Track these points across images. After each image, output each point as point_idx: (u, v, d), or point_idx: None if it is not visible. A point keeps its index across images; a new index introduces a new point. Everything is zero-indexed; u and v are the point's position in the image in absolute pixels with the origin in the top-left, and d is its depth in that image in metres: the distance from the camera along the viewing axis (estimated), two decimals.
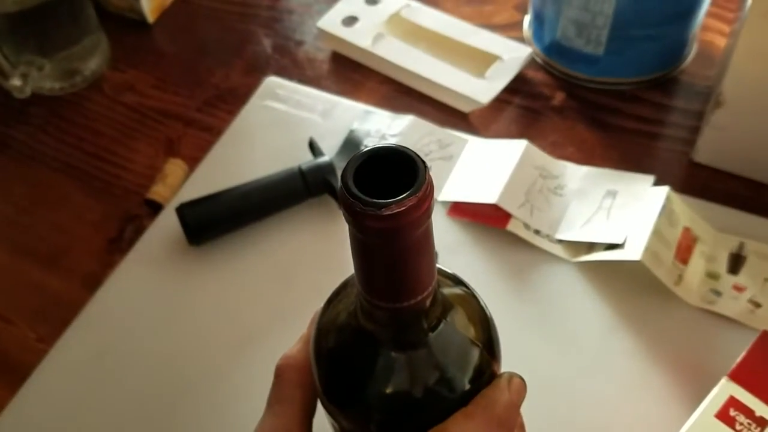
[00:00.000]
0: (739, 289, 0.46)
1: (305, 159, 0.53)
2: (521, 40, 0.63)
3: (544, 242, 0.49)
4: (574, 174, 0.52)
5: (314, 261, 0.50)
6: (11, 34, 0.59)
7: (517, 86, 0.60)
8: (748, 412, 0.38)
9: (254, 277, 0.50)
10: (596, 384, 0.44)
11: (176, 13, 0.70)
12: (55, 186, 0.58)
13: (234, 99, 0.62)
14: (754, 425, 0.37)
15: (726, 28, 0.63)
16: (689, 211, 0.49)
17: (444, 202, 0.52)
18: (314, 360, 0.29)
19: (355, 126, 0.57)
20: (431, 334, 0.26)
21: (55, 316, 0.50)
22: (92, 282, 0.52)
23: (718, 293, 0.46)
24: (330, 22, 0.65)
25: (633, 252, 0.45)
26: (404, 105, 0.60)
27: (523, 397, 0.29)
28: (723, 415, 0.38)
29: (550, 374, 0.44)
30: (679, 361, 0.44)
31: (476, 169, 0.53)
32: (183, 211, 0.50)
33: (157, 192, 0.55)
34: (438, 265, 0.28)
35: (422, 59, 0.61)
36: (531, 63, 0.62)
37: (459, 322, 0.27)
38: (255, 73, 0.64)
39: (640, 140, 0.57)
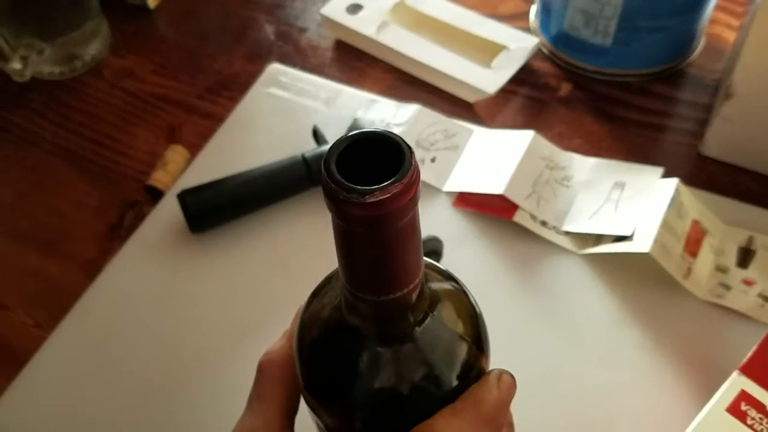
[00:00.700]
0: (748, 283, 0.45)
1: (309, 147, 0.53)
2: (528, 30, 0.62)
3: (551, 234, 0.49)
4: (582, 165, 0.52)
5: (316, 251, 0.48)
6: (11, 16, 0.58)
7: (524, 77, 0.60)
8: (760, 407, 0.37)
9: (255, 266, 0.50)
10: (604, 377, 0.43)
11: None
12: (54, 171, 0.58)
13: (236, 86, 0.61)
14: (766, 420, 0.36)
15: (735, 22, 0.63)
16: (698, 204, 0.48)
17: (449, 193, 0.52)
18: (297, 354, 0.28)
19: (360, 114, 0.56)
20: (417, 329, 0.25)
21: (53, 303, 0.50)
22: (91, 268, 0.51)
23: (727, 287, 0.46)
24: (334, 9, 0.64)
25: (642, 244, 0.45)
26: (409, 94, 0.59)
27: (513, 395, 0.28)
28: (734, 410, 0.37)
29: (557, 367, 0.43)
30: (688, 354, 0.43)
31: (482, 159, 0.52)
32: (184, 197, 0.49)
33: (157, 178, 0.54)
34: (427, 259, 0.27)
35: (427, 48, 0.60)
36: (537, 54, 0.61)
37: (447, 316, 0.26)
38: (257, 60, 0.63)
39: (648, 132, 0.56)
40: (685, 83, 0.59)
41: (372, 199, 0.19)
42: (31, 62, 0.60)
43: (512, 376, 0.28)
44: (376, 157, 0.20)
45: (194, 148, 0.57)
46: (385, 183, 0.19)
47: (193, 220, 0.49)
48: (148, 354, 0.46)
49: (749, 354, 0.39)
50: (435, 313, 0.25)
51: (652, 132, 0.56)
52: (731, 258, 0.47)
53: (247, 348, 0.45)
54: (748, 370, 0.38)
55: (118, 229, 0.53)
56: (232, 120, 0.58)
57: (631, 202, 0.48)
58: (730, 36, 0.62)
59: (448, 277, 0.28)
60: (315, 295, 0.28)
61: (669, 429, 0.39)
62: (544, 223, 0.49)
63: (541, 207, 0.49)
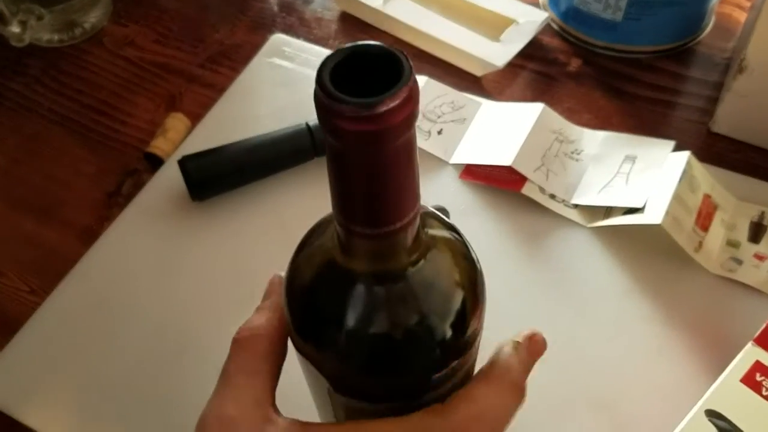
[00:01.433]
0: (760, 257, 0.45)
1: (312, 117, 0.51)
2: (537, 5, 0.61)
3: (560, 207, 0.48)
4: (592, 139, 0.51)
5: None
6: None
7: (532, 51, 0.59)
8: None
9: (257, 235, 0.48)
10: (614, 350, 0.42)
11: None
12: (52, 138, 0.56)
13: (238, 56, 0.60)
14: None
15: (745, 2, 0.62)
16: (710, 178, 0.47)
17: (456, 165, 0.51)
18: (288, 303, 0.27)
19: None
20: (412, 269, 0.24)
21: (49, 269, 0.48)
22: (88, 235, 0.50)
23: (738, 261, 0.45)
24: None
25: (653, 216, 0.44)
26: (415, 67, 0.57)
27: (542, 353, 0.28)
28: (749, 380, 0.36)
29: (567, 340, 0.42)
30: (700, 328, 0.42)
31: (490, 131, 0.51)
32: (185, 163, 0.48)
33: (157, 146, 0.53)
34: (431, 209, 0.26)
35: (435, 20, 0.59)
36: (546, 29, 0.60)
37: (443, 262, 0.25)
38: (260, 30, 0.62)
39: (658, 108, 0.55)
40: (695, 61, 0.58)
41: (368, 113, 0.18)
42: (30, 27, 0.59)
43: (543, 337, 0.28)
44: (373, 75, 0.19)
45: (195, 118, 0.55)
46: (382, 95, 0.18)
47: (195, 187, 0.48)
48: (145, 321, 0.45)
49: (764, 325, 0.38)
50: (430, 256, 0.24)
51: (662, 108, 0.55)
52: (743, 233, 0.46)
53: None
54: (763, 342, 0.38)
55: (117, 197, 0.52)
56: (233, 89, 0.57)
57: (642, 175, 0.47)
58: (741, 16, 0.61)
59: (450, 227, 0.27)
60: (302, 245, 0.27)
61: (681, 401, 0.38)
62: (552, 196, 0.48)
63: (550, 180, 0.48)
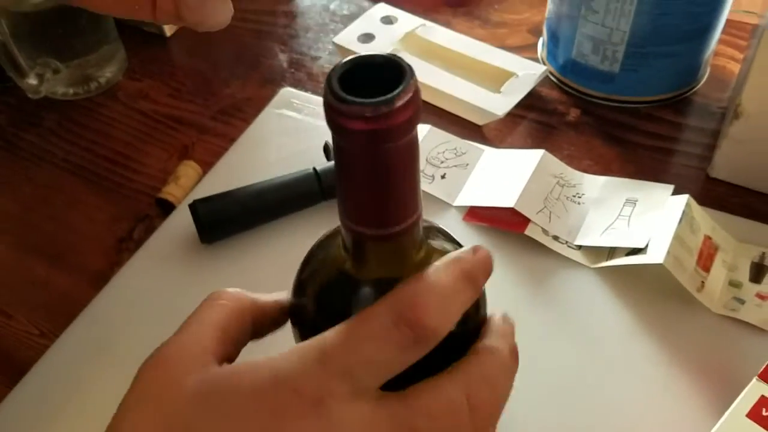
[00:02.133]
0: (762, 297, 0.45)
1: (320, 163, 0.53)
2: (536, 60, 0.64)
3: (563, 248, 0.48)
4: (593, 183, 0.52)
5: None
6: (29, 34, 0.60)
7: (532, 102, 0.61)
8: None
9: (265, 279, 0.49)
10: (618, 390, 0.42)
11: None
12: (65, 187, 0.58)
13: (249, 109, 0.62)
14: None
15: (738, 54, 0.64)
16: (710, 220, 0.48)
17: (460, 208, 0.52)
18: (294, 317, 0.28)
19: None
20: (411, 268, 0.25)
21: (60, 313, 0.49)
22: (99, 280, 0.51)
23: (741, 301, 0.45)
24: (346, 38, 0.65)
25: (655, 255, 0.44)
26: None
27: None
28: (755, 415, 0.36)
29: (572, 381, 0.43)
30: (704, 366, 0.42)
31: (493, 175, 0.52)
32: (196, 206, 0.49)
33: (169, 192, 0.54)
34: (436, 224, 0.28)
35: (437, 73, 0.62)
36: (545, 81, 0.62)
37: None
38: (270, 85, 0.64)
39: (656, 155, 0.57)
40: (692, 110, 0.60)
41: (374, 114, 0.20)
42: (47, 80, 0.61)
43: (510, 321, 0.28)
44: (378, 83, 0.21)
45: (207, 166, 0.57)
46: (387, 96, 0.20)
47: (204, 229, 0.49)
48: None
49: None
50: (431, 259, 0.26)
51: (661, 155, 0.57)
52: (744, 273, 0.46)
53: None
54: (767, 377, 0.38)
55: (128, 242, 0.53)
56: (244, 139, 0.58)
57: (643, 217, 0.48)
58: (734, 67, 0.63)
59: (452, 240, 0.28)
60: (306, 261, 0.29)
61: None
62: (556, 238, 0.49)
63: (553, 222, 0.49)
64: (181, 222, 0.52)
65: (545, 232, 0.49)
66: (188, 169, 0.55)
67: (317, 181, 0.51)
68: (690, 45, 0.57)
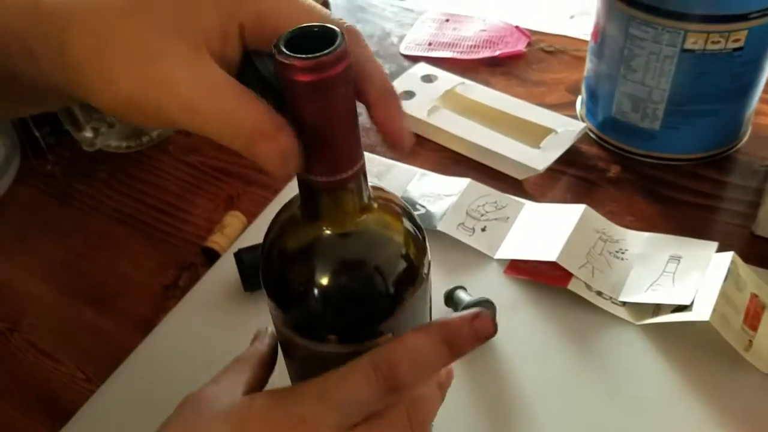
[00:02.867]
0: None
1: None
2: (575, 117, 0.64)
3: (608, 304, 0.48)
4: (636, 239, 0.52)
5: None
6: None
7: (571, 158, 0.61)
8: None
9: None
10: None
11: None
12: (115, 235, 0.59)
13: None
14: None
15: None
16: (756, 278, 0.48)
17: (501, 261, 0.52)
18: (263, 263, 0.32)
19: (410, 186, 0.58)
20: (361, 221, 0.29)
21: (106, 358, 0.50)
22: (145, 326, 0.51)
23: None
24: None
25: (701, 313, 0.44)
26: (458, 172, 0.61)
27: (486, 336, 0.30)
28: None
29: None
30: (753, 427, 0.41)
31: (534, 229, 0.53)
32: (241, 255, 0.50)
33: (214, 241, 0.55)
34: (392, 194, 0.32)
35: (476, 129, 0.63)
36: (584, 137, 0.63)
37: (388, 219, 0.31)
38: None
39: (699, 213, 0.56)
40: (735, 168, 0.60)
41: (314, 63, 0.24)
42: (102, 134, 0.64)
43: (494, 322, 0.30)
44: (317, 49, 0.25)
45: (251, 216, 0.58)
46: (324, 51, 0.24)
47: (248, 278, 0.50)
48: None
49: None
50: (376, 215, 0.30)
51: (704, 212, 0.56)
52: None
53: None
54: None
55: (174, 289, 0.54)
56: (288, 190, 0.60)
57: (687, 274, 0.48)
58: None
59: (406, 212, 0.32)
60: (273, 221, 0.33)
61: None
62: (599, 293, 0.49)
63: (596, 277, 0.49)
64: (225, 270, 0.53)
65: (588, 287, 0.49)
66: (233, 219, 0.57)
67: None
68: (731, 103, 0.57)
